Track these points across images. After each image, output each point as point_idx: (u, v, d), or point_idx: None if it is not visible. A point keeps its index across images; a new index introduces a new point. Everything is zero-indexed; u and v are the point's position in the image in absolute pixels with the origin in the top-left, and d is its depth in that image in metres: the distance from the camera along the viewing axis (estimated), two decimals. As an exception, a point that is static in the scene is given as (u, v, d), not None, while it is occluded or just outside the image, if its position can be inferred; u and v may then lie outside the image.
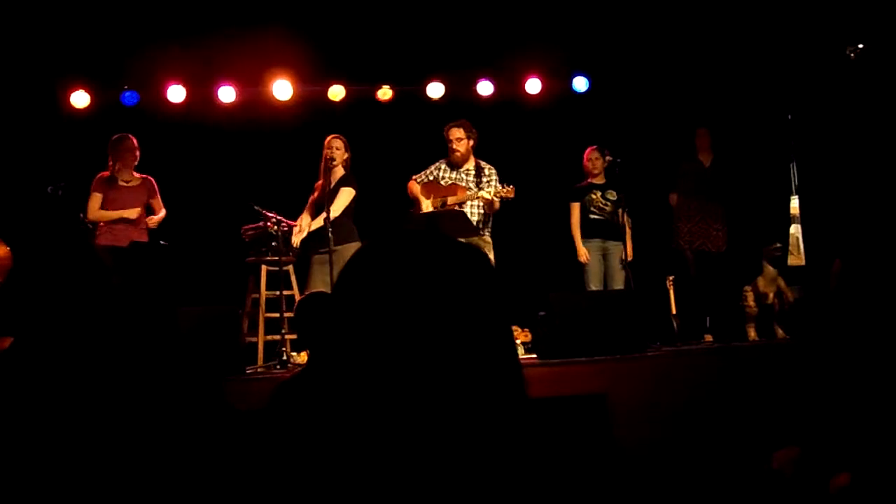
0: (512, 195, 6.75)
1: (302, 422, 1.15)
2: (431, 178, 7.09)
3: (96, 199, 6.86)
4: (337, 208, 6.66)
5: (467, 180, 6.99)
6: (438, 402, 1.06)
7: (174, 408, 1.73)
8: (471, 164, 7.04)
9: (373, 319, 1.08)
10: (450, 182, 7.02)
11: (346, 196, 6.77)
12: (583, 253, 7.49)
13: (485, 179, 6.95)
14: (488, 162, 7.12)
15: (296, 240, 6.70)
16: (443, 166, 7.08)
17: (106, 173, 6.95)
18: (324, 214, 6.45)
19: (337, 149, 6.82)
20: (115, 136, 6.97)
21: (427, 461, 1.05)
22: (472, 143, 7.00)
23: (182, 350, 1.81)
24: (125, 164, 6.92)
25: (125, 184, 6.95)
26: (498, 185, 6.89)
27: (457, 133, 6.96)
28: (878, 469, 2.82)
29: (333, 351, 1.11)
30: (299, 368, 6.10)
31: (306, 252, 6.77)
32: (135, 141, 6.98)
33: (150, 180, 7.08)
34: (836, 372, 3.05)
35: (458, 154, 6.96)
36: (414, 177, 7.16)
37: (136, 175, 7.03)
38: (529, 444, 1.13)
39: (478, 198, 6.82)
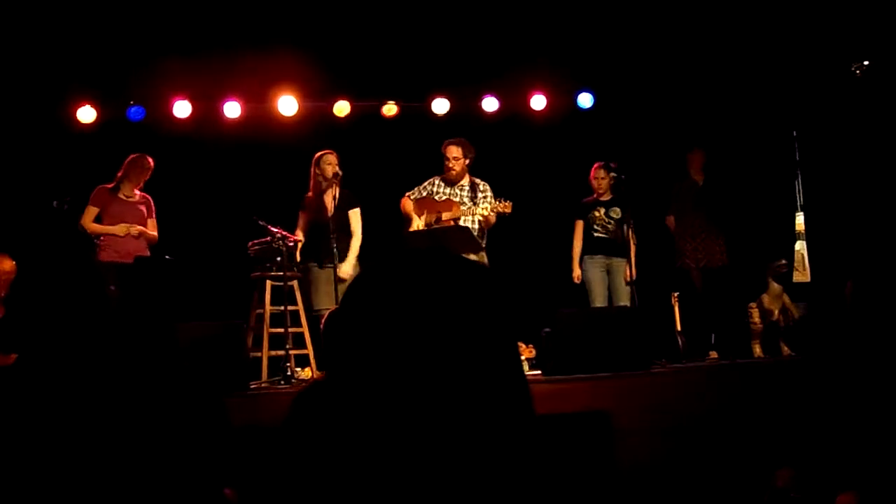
0: (509, 210, 6.79)
1: (316, 436, 1.15)
2: (425, 193, 7.14)
3: (91, 212, 6.86)
4: (359, 230, 6.93)
5: (461, 195, 7.04)
6: (447, 417, 1.06)
7: (172, 421, 1.73)
8: (465, 181, 7.09)
9: (379, 337, 1.08)
10: (444, 198, 7.06)
11: (359, 218, 6.97)
12: (577, 274, 7.48)
13: (479, 195, 6.99)
14: (493, 177, 7.15)
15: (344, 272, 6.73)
16: (437, 181, 7.14)
17: (109, 185, 6.96)
18: (356, 241, 6.87)
19: (335, 164, 6.86)
20: (136, 154, 7.03)
21: (435, 476, 1.05)
22: (468, 161, 7.06)
23: (180, 364, 1.81)
24: (131, 180, 6.95)
25: (126, 198, 6.96)
26: (493, 200, 6.92)
27: (454, 152, 7.01)
28: (884, 488, 2.81)
29: (343, 367, 1.11)
30: (306, 383, 6.10)
31: (306, 263, 6.82)
32: (151, 162, 7.02)
33: (149, 199, 7.09)
34: (845, 389, 3.04)
35: (453, 172, 7.04)
36: (407, 193, 7.22)
37: (137, 193, 7.04)
38: (536, 459, 1.12)
39: (473, 214, 6.86)
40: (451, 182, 7.09)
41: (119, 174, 6.97)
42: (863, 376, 3.02)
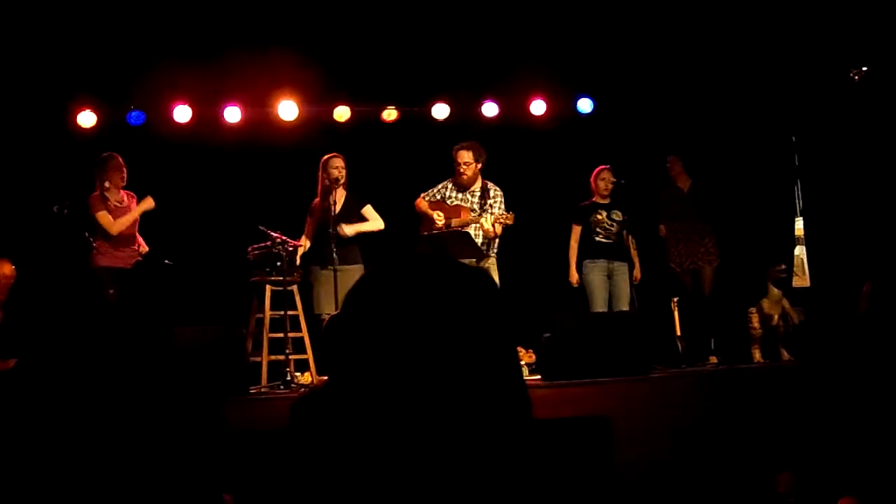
0: (511, 222, 6.78)
1: (316, 441, 1.15)
2: (438, 196, 7.12)
3: (106, 215, 6.62)
4: (381, 222, 7.04)
5: (472, 201, 7.01)
6: (445, 422, 1.06)
7: (170, 424, 1.73)
8: (477, 186, 7.05)
9: (379, 342, 1.09)
10: (455, 203, 7.04)
11: (373, 211, 7.05)
12: (574, 277, 7.48)
13: (489, 202, 6.95)
14: (492, 182, 7.13)
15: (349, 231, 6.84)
16: (450, 185, 7.11)
17: (97, 193, 6.72)
18: (366, 226, 6.92)
19: (343, 168, 6.87)
20: (104, 153, 6.79)
21: (434, 480, 1.05)
22: (479, 165, 7.01)
23: (178, 368, 1.81)
24: (115, 184, 6.72)
25: (119, 204, 6.76)
26: (499, 210, 6.90)
27: (465, 157, 6.96)
28: (885, 494, 2.80)
29: (343, 371, 1.12)
30: (304, 389, 6.11)
31: (309, 266, 6.82)
32: (121, 159, 6.78)
33: (133, 196, 6.88)
34: (848, 394, 3.04)
35: (465, 177, 6.98)
36: (422, 194, 7.18)
37: (123, 194, 6.84)
38: (534, 464, 1.13)
39: (475, 222, 6.85)
40: (463, 187, 7.05)
41: (98, 182, 6.72)
42: (864, 380, 3.02)
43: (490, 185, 7.06)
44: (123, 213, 6.76)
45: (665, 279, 7.85)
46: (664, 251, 7.96)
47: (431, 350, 1.07)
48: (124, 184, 6.82)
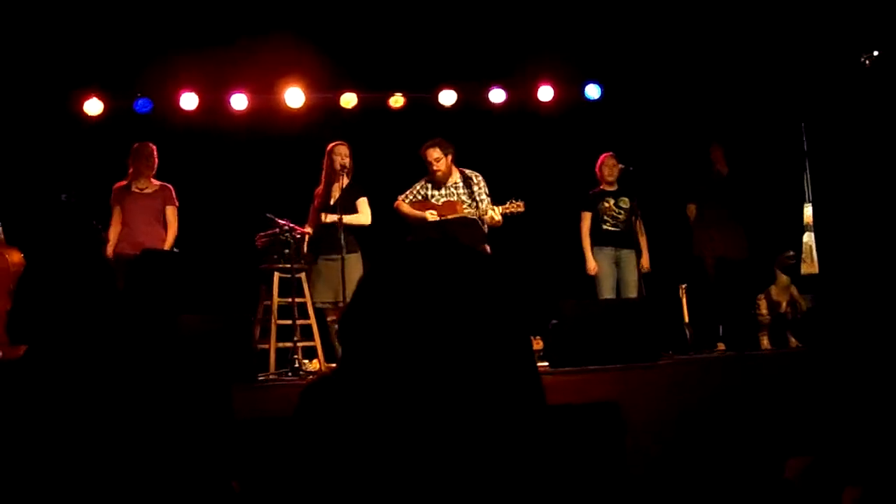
0: (522, 209, 6.75)
1: (325, 427, 1.15)
2: (420, 198, 7.06)
3: (114, 213, 7.01)
4: (368, 218, 6.95)
5: (458, 194, 6.95)
6: (459, 408, 1.06)
7: (177, 411, 1.73)
8: (456, 177, 7.01)
9: (391, 328, 1.08)
10: (441, 200, 6.97)
11: (367, 205, 6.99)
12: (592, 265, 7.44)
13: (475, 189, 6.92)
14: (499, 169, 7.12)
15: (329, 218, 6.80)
16: (429, 186, 7.05)
17: (122, 182, 7.04)
18: (361, 218, 6.92)
19: (347, 156, 6.87)
20: (136, 143, 7.08)
21: (446, 464, 1.05)
22: (450, 158, 6.97)
23: (182, 356, 1.81)
24: (138, 170, 6.99)
25: (139, 191, 7.02)
26: (487, 197, 6.88)
27: (434, 154, 6.93)
28: (891, 484, 2.80)
29: (354, 358, 1.11)
30: (312, 376, 6.11)
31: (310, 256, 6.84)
32: (151, 147, 7.04)
33: (168, 188, 7.09)
34: (853, 381, 3.03)
35: (440, 173, 6.95)
36: (400, 197, 7.13)
37: (154, 182, 7.07)
38: (547, 450, 1.12)
39: (480, 214, 6.81)
40: (440, 183, 6.99)
41: (130, 170, 7.04)
42: (871, 369, 3.01)
43: (468, 172, 7.03)
44: (140, 201, 7.00)
45: (673, 265, 7.83)
46: (680, 235, 7.90)
47: (444, 336, 1.07)
48: (152, 172, 7.08)
